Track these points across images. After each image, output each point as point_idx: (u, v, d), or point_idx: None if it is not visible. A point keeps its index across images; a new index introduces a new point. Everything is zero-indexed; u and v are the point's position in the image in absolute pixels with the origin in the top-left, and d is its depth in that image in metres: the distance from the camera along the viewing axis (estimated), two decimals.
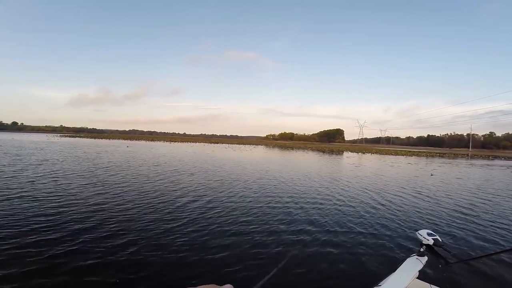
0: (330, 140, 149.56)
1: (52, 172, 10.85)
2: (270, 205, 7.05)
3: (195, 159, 20.11)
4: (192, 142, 70.33)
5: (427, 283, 1.82)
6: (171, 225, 5.16)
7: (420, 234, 1.82)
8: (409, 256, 1.82)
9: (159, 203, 6.75)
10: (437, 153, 58.43)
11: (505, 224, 6.16)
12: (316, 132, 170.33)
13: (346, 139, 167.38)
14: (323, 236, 4.97)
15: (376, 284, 1.71)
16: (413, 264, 1.71)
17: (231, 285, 0.40)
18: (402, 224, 5.90)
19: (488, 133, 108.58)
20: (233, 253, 4.08)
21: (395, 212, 6.90)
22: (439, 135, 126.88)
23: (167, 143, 55.13)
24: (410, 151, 60.11)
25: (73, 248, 4.01)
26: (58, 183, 8.66)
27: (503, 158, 44.19)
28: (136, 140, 67.05)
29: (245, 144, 68.27)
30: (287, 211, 6.56)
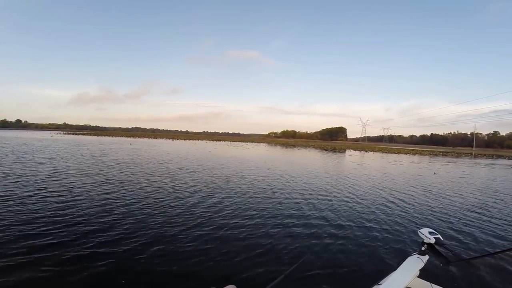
0: (332, 138, 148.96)
1: (59, 171, 10.95)
2: (278, 202, 7.11)
3: (199, 157, 20.18)
4: (195, 139, 70.43)
5: (427, 282, 1.82)
6: (180, 226, 5.12)
7: (421, 233, 1.82)
8: (410, 255, 1.82)
9: (168, 203, 6.76)
10: (440, 152, 58.05)
11: (508, 224, 6.14)
12: (318, 130, 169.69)
13: (348, 137, 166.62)
14: (322, 234, 4.98)
15: (377, 283, 1.71)
16: (414, 263, 1.71)
17: (234, 286, 0.38)
18: (404, 222, 5.91)
19: (492, 132, 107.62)
20: (249, 254, 4.04)
21: (398, 211, 6.91)
22: (442, 134, 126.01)
23: (170, 141, 55.27)
24: (413, 150, 59.77)
25: (82, 248, 4.05)
26: (66, 182, 8.74)
27: (507, 158, 43.82)
28: (138, 137, 67.28)
29: (247, 142, 68.27)
30: (291, 210, 6.59)
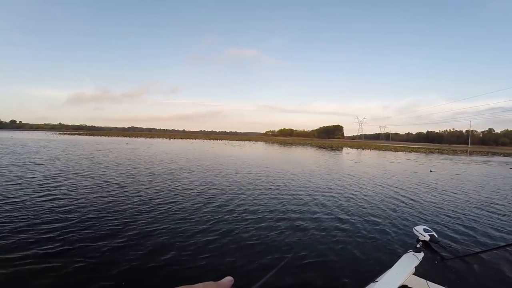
0: (329, 136, 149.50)
1: (59, 172, 10.86)
2: (273, 199, 7.10)
3: (197, 156, 20.12)
4: (192, 139, 70.28)
5: (423, 279, 1.83)
6: (181, 224, 5.16)
7: (416, 230, 1.83)
8: (406, 252, 1.83)
9: (168, 201, 6.78)
10: (436, 149, 58.53)
11: (502, 221, 6.19)
12: (315, 128, 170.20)
13: (345, 135, 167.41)
14: (315, 232, 5.00)
15: (373, 280, 1.73)
16: (410, 260, 1.73)
17: (231, 277, 0.40)
18: (400, 219, 5.94)
19: (487, 129, 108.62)
20: (247, 248, 4.12)
21: (393, 208, 6.94)
22: (438, 132, 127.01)
23: (167, 140, 55.07)
24: (409, 147, 60.23)
25: (90, 251, 4.00)
26: (68, 184, 8.65)
27: (502, 155, 44.30)
28: (135, 137, 66.96)
29: (244, 141, 68.25)
30: (287, 206, 6.57)
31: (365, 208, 6.88)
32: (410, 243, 1.97)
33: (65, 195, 7.02)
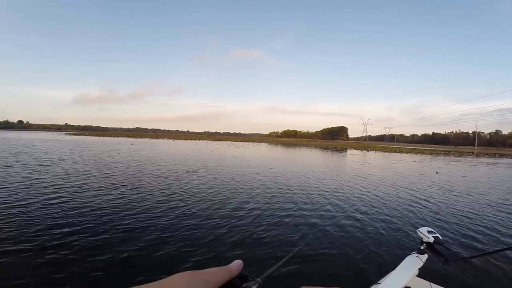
0: (333, 138, 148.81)
1: (66, 174, 11.00)
2: (277, 196, 7.10)
3: (203, 157, 20.19)
4: (196, 139, 70.56)
5: (426, 281, 1.81)
6: (193, 219, 5.24)
7: (420, 232, 1.80)
8: (409, 254, 1.80)
9: (179, 198, 6.84)
10: (442, 151, 57.87)
11: (508, 222, 6.08)
12: (319, 130, 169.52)
13: (350, 136, 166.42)
14: (319, 232, 4.98)
15: (376, 282, 1.69)
16: (413, 262, 1.70)
17: (240, 261, 0.40)
18: (404, 221, 5.89)
19: (494, 131, 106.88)
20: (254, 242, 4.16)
21: (397, 209, 6.88)
22: (444, 133, 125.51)
23: (171, 141, 55.38)
24: (414, 149, 59.67)
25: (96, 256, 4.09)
26: (79, 184, 8.77)
27: (510, 157, 43.64)
28: (140, 138, 67.44)
29: (248, 142, 68.28)
30: (290, 205, 6.56)
31: (369, 209, 6.84)
32: (414, 245, 1.95)
33: (76, 196, 7.09)
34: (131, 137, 71.41)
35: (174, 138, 72.08)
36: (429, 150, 58.88)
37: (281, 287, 1.79)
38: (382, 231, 5.18)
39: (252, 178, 11.00)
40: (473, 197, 8.91)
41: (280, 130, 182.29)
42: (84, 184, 8.52)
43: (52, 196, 6.84)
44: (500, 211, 7.19)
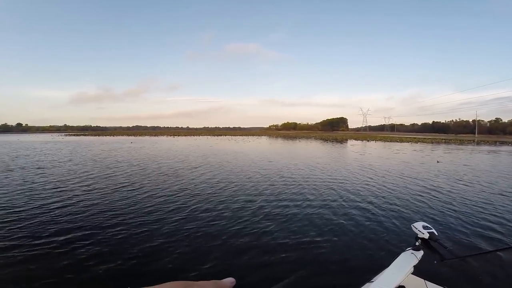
0: (333, 129, 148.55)
1: (68, 175, 10.96)
2: (268, 195, 7.05)
3: (203, 153, 20.12)
4: (196, 135, 70.48)
5: (421, 279, 1.76)
6: (190, 223, 5.20)
7: (415, 227, 1.74)
8: (404, 251, 1.75)
9: (177, 200, 6.82)
10: (443, 139, 57.76)
11: (509, 220, 5.56)
12: (319, 121, 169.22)
13: (349, 127, 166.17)
14: (309, 229, 4.92)
15: (369, 280, 1.65)
16: (408, 259, 1.65)
17: (233, 279, 0.41)
18: (400, 214, 5.74)
19: (494, 119, 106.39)
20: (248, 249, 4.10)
21: (394, 202, 6.73)
22: (444, 122, 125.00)
23: (171, 138, 55.34)
24: (415, 138, 59.49)
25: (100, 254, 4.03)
26: (84, 185, 8.73)
27: (510, 144, 43.47)
28: (139, 136, 67.39)
29: (248, 136, 68.18)
30: (280, 203, 6.52)
31: (362, 202, 6.73)
32: (410, 240, 1.87)
33: (79, 199, 7.08)
34: (130, 135, 71.37)
35: (174, 135, 72.00)
36: (429, 138, 58.74)
37: None
38: (377, 225, 5.09)
39: (253, 174, 10.93)
40: (475, 189, 8.56)
41: (280, 123, 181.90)
42: (86, 185, 8.49)
43: (54, 199, 6.82)
44: (504, 205, 6.63)
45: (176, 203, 6.52)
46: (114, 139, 46.90)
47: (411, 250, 1.72)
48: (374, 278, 1.64)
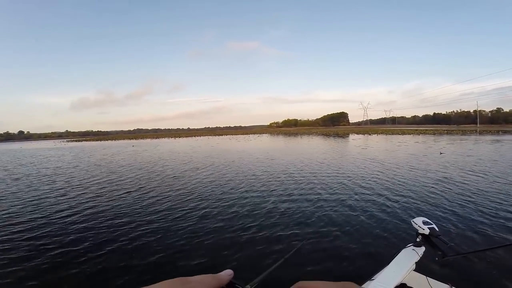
0: (334, 124, 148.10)
1: (72, 181, 10.98)
2: (271, 192, 7.02)
3: (206, 155, 20.11)
4: (197, 136, 70.57)
5: (423, 276, 1.71)
6: (187, 221, 5.20)
7: (415, 223, 1.70)
8: (405, 247, 1.72)
9: (178, 201, 6.80)
10: (445, 130, 57.41)
11: None
12: (320, 117, 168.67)
13: (350, 121, 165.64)
14: (307, 226, 4.91)
15: (370, 278, 1.60)
16: (409, 255, 1.62)
17: (231, 270, 0.41)
18: (403, 210, 5.62)
19: (495, 109, 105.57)
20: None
21: (396, 197, 6.60)
22: (445, 113, 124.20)
23: (172, 139, 55.42)
24: (417, 130, 59.17)
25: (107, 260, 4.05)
26: (80, 193, 8.75)
27: None
28: (141, 139, 67.62)
29: (249, 134, 68.15)
30: (279, 200, 6.48)
31: (363, 197, 6.66)
32: (411, 236, 1.82)
33: (90, 203, 7.10)
34: (132, 139, 71.63)
35: (175, 137, 72.12)
36: (431, 130, 58.41)
37: None
38: (379, 221, 5.02)
39: (261, 173, 10.88)
40: (478, 182, 8.13)
41: (281, 120, 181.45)
42: (95, 191, 8.53)
43: (64, 207, 6.84)
44: (508, 198, 6.26)
45: (187, 206, 6.46)
46: (115, 143, 47.06)
47: (412, 246, 1.68)
48: (375, 276, 1.60)
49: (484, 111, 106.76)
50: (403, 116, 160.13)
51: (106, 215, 6.03)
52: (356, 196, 6.82)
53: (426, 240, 1.63)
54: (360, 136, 43.43)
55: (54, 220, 5.82)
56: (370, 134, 46.98)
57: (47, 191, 8.92)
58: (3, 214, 6.37)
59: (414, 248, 1.66)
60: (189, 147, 30.28)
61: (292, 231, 4.73)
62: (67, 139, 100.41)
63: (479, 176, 8.95)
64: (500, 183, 7.76)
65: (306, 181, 8.89)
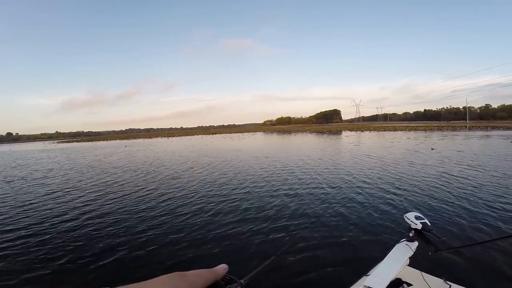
0: (327, 121, 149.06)
1: (65, 184, 10.81)
2: (259, 190, 7.05)
3: (197, 154, 20.02)
4: (190, 135, 70.05)
5: (417, 271, 1.73)
6: (181, 217, 5.22)
7: (407, 218, 1.71)
8: (398, 242, 1.73)
9: (166, 202, 6.78)
10: (435, 126, 58.48)
11: (504, 209, 5.22)
12: (313, 114, 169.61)
13: (343, 118, 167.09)
14: (305, 222, 4.96)
15: (365, 274, 1.63)
16: (403, 251, 1.64)
17: (225, 265, 0.43)
18: (395, 206, 5.65)
19: (484, 105, 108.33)
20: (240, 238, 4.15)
21: (388, 193, 6.65)
22: (436, 109, 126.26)
23: (165, 139, 54.92)
24: (408, 126, 60.07)
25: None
26: (65, 199, 8.62)
27: (501, 128, 44.24)
28: (133, 139, 66.79)
29: (243, 132, 68.08)
30: (273, 198, 6.51)
31: (355, 194, 6.71)
32: (403, 232, 1.87)
33: (90, 206, 7.01)
34: (124, 139, 70.68)
35: (168, 136, 71.52)
36: (422, 126, 59.39)
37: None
38: (371, 218, 5.05)
39: (260, 171, 10.90)
40: (469, 176, 8.30)
41: (274, 118, 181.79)
42: (85, 195, 8.40)
43: (56, 212, 6.73)
44: (497, 192, 6.32)
45: (190, 208, 6.38)
46: (107, 144, 46.37)
47: (405, 241, 1.70)
48: (370, 271, 1.60)
49: (473, 107, 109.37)
50: (394, 113, 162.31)
51: (105, 217, 5.98)
52: (348, 193, 6.88)
53: (419, 235, 1.64)
54: (353, 133, 43.89)
55: (51, 225, 5.74)
56: (362, 131, 47.51)
57: (41, 194, 8.77)
58: None
59: (408, 243, 1.67)
60: (183, 146, 30.08)
61: (285, 228, 4.78)
62: (57, 140, 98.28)
63: (469, 170, 9.17)
64: (491, 177, 7.96)
65: (299, 178, 8.97)
